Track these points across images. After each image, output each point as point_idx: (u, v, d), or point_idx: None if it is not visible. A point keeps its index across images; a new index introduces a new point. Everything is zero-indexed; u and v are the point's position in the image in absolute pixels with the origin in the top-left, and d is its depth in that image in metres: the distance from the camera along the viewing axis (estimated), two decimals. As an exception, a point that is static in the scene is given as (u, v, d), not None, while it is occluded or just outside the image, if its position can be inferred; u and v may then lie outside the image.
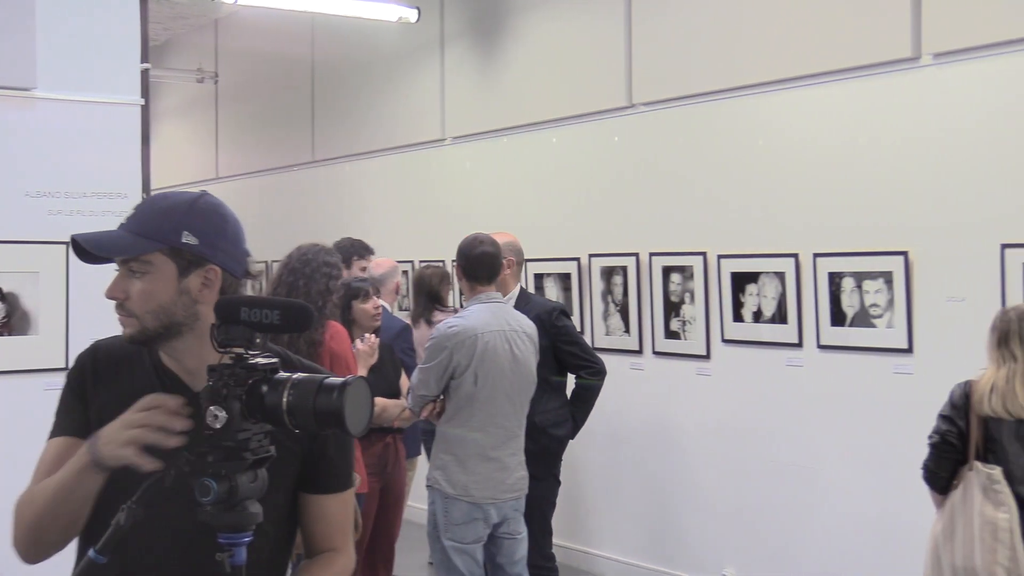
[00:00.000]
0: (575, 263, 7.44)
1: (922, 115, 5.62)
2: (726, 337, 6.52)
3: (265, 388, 1.88)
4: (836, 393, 5.99)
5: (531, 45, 7.89)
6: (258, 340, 1.92)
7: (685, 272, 6.72)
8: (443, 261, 8.14)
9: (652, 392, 7.00)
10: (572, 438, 5.96)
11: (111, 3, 5.29)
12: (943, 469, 4.19)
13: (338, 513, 2.27)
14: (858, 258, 5.82)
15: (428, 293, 6.88)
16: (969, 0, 5.43)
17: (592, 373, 5.83)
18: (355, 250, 6.47)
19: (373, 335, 5.35)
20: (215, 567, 1.86)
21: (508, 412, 4.97)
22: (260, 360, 1.90)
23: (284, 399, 1.86)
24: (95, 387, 2.17)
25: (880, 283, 5.73)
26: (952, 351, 5.32)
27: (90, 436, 2.01)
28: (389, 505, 5.60)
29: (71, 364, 2.24)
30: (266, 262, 10.57)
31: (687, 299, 6.72)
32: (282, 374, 1.90)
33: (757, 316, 6.33)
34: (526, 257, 7.66)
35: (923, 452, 4.35)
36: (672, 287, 6.82)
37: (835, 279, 5.92)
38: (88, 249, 2.04)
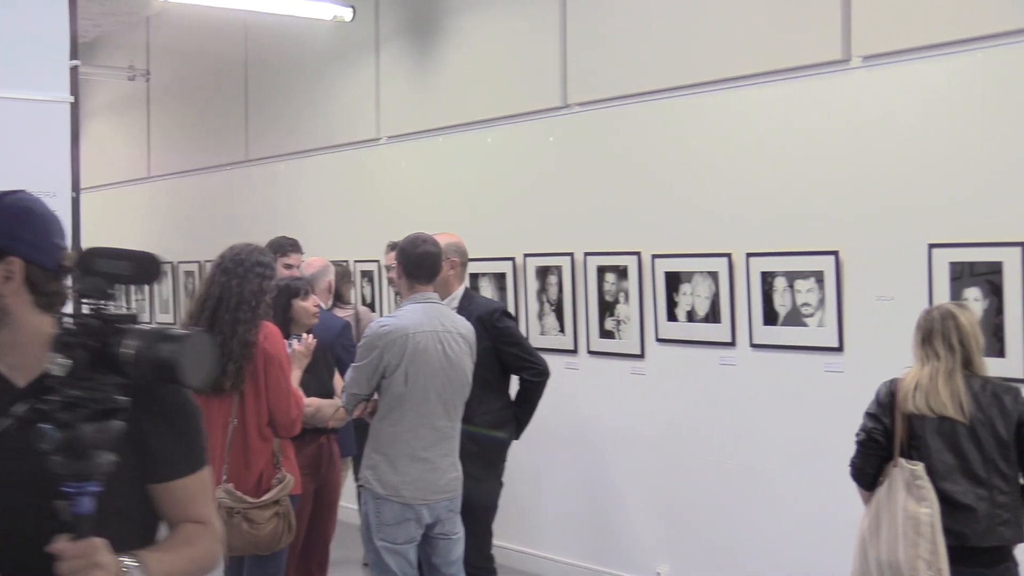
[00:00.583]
0: (510, 263, 7.44)
1: (852, 117, 5.70)
2: (660, 336, 6.56)
3: (115, 338, 1.91)
4: (768, 391, 6.06)
5: (466, 45, 7.89)
6: (111, 291, 1.95)
7: (619, 272, 6.76)
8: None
9: (587, 391, 7.03)
10: (516, 439, 5.97)
11: (39, -1, 5.22)
12: (869, 466, 4.26)
13: (190, 491, 2.23)
14: (790, 258, 5.89)
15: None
16: (898, 4, 5.51)
17: (535, 374, 5.84)
18: (279, 247, 6.39)
19: (310, 335, 5.32)
20: (54, 516, 1.88)
21: (440, 413, 4.95)
22: (114, 311, 1.94)
23: (127, 348, 1.89)
24: None
25: (811, 282, 5.80)
26: (881, 349, 5.40)
27: None
28: (323, 506, 5.56)
29: None
30: (199, 262, 10.48)
31: (621, 299, 6.76)
32: (133, 326, 1.94)
33: (691, 315, 6.38)
34: (461, 257, 7.69)
35: (853, 449, 4.41)
36: (607, 287, 6.85)
37: (767, 279, 5.99)
38: None
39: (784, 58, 5.95)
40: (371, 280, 8.62)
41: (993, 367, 4.84)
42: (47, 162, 5.18)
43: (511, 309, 7.38)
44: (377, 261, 8.16)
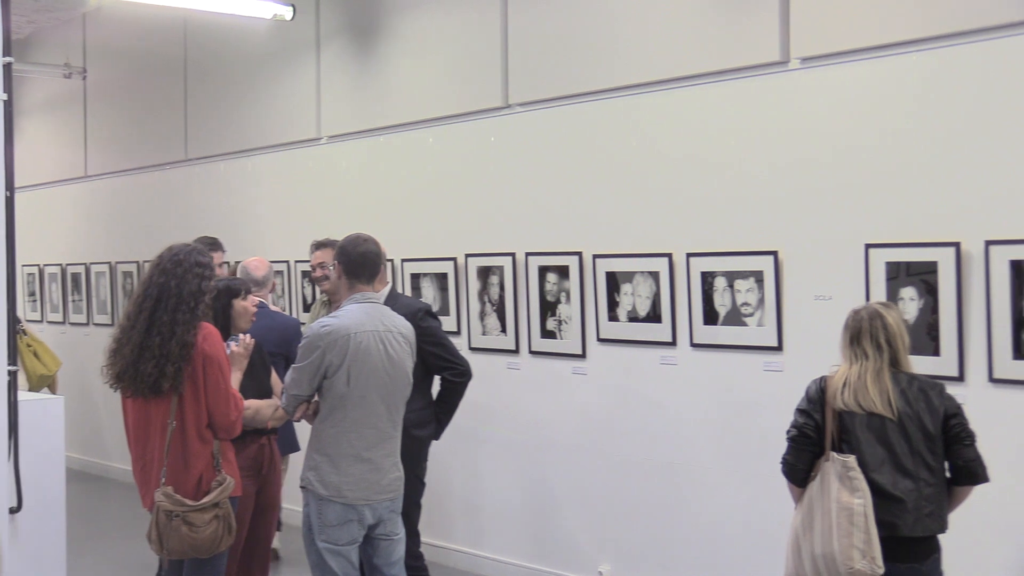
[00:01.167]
0: (451, 263, 7.44)
1: (790, 118, 5.76)
2: (601, 336, 6.59)
3: None
4: (709, 391, 6.10)
5: (407, 44, 7.87)
6: None
7: (561, 272, 6.77)
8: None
9: (528, 391, 7.04)
10: (436, 439, 5.97)
11: (-29, -6, 5.15)
12: (801, 461, 4.32)
13: None
14: (730, 258, 5.94)
15: None
16: (836, 6, 5.58)
17: (456, 374, 5.85)
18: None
19: (248, 336, 5.28)
20: None
21: (382, 413, 4.93)
22: None
23: None
24: None
25: (751, 282, 5.85)
26: (820, 348, 5.43)
27: None
28: (264, 507, 5.52)
29: None
30: (137, 262, 10.37)
31: (563, 299, 6.78)
32: None
33: (632, 315, 6.41)
34: (403, 257, 7.68)
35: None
36: (548, 287, 6.86)
37: (708, 278, 6.03)
38: None
39: (723, 59, 6.00)
40: (311, 280, 8.57)
41: (928, 366, 4.93)
42: (-20, 161, 5.12)
43: (452, 309, 7.38)
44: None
